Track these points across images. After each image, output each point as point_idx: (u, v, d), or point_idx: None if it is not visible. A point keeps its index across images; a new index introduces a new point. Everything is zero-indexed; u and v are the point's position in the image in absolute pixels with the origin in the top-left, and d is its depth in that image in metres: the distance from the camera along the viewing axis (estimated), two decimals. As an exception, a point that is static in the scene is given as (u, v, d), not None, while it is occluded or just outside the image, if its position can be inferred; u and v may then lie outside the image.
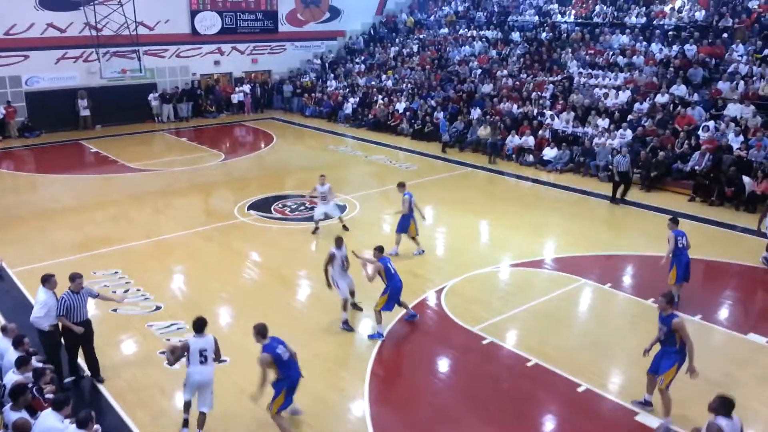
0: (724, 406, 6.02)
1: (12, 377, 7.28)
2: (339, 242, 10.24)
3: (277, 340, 7.39)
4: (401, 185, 13.42)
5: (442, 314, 10.72)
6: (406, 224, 13.03)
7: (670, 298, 7.84)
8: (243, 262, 13.09)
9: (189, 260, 13.12)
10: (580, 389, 8.56)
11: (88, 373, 8.88)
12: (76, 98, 26.27)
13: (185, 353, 7.49)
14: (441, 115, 24.52)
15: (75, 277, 8.55)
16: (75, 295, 8.46)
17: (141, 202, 17.10)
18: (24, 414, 6.61)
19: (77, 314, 8.49)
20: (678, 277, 10.73)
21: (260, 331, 7.33)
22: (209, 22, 29.90)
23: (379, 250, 10.09)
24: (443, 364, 9.37)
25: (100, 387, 8.68)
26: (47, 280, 8.57)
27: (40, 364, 7.94)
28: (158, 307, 10.94)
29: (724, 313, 10.94)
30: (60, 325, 8.54)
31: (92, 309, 10.76)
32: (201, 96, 30.04)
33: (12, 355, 7.73)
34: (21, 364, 7.41)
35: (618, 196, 16.85)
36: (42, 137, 25.31)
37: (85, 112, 26.48)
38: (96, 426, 6.55)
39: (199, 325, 7.56)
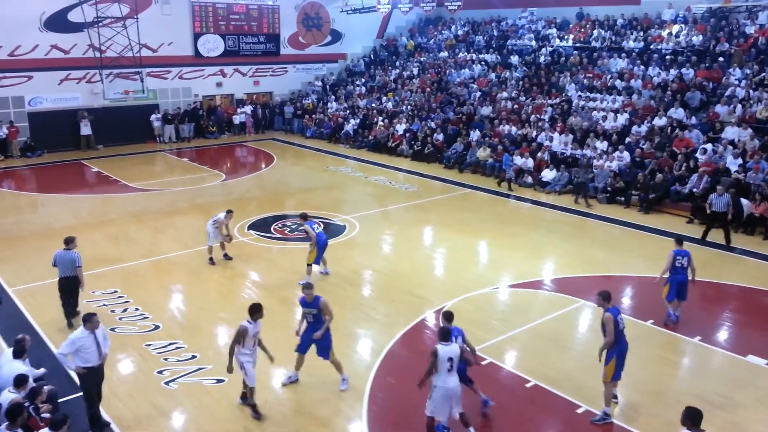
0: (690, 417, 6.08)
1: (8, 396, 7.26)
2: (449, 317, 8.18)
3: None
4: (303, 216, 12.91)
5: (441, 335, 10.68)
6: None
7: (606, 295, 8.13)
8: (243, 282, 13.09)
9: (189, 280, 13.12)
10: (579, 410, 8.54)
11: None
12: (78, 119, 26.43)
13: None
14: (441, 137, 24.75)
15: (72, 239, 10.70)
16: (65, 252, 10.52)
17: (141, 221, 17.15)
18: (21, 433, 6.58)
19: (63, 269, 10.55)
20: (670, 294, 10.84)
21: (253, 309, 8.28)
22: (212, 45, 30.22)
23: (447, 319, 8.38)
24: (442, 385, 9.31)
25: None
26: (88, 320, 7.82)
27: (34, 383, 7.91)
28: (157, 327, 10.92)
29: (723, 334, 10.94)
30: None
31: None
32: (203, 117, 30.27)
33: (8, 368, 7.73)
34: (19, 383, 7.40)
35: (706, 237, 15.26)
36: (44, 157, 25.45)
37: (86, 131, 26.60)
38: None
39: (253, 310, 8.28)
